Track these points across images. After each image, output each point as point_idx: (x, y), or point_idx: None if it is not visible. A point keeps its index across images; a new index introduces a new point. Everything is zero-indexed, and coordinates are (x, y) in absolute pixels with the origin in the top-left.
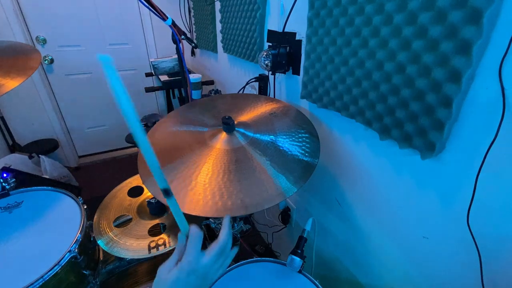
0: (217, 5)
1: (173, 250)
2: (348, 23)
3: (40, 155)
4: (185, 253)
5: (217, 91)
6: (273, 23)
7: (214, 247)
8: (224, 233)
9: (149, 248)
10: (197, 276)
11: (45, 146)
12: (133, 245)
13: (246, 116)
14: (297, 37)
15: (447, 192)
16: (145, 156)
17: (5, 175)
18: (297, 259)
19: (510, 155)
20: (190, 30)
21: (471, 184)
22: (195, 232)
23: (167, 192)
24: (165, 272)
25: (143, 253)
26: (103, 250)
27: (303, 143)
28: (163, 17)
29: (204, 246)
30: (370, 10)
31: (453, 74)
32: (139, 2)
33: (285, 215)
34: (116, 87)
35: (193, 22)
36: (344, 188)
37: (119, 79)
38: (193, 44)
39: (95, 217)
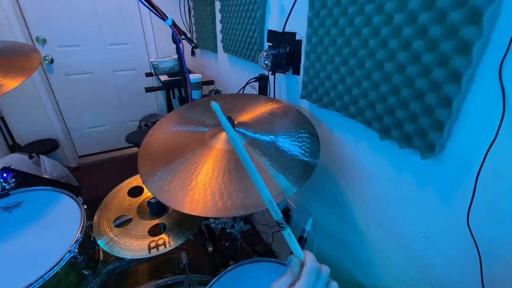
0: (217, 5)
1: (173, 250)
2: (348, 23)
3: (40, 155)
4: (299, 283)
5: (217, 91)
6: (273, 23)
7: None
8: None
9: (149, 248)
10: None
11: (45, 146)
12: (133, 245)
13: (246, 116)
14: (297, 37)
15: (447, 192)
16: (260, 191)
17: (5, 175)
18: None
19: (510, 155)
20: (190, 30)
21: (471, 184)
22: (311, 263)
23: (281, 225)
24: None
25: (143, 253)
26: (103, 250)
27: (303, 143)
28: (163, 17)
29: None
30: (370, 10)
31: (453, 74)
32: (139, 2)
33: (285, 215)
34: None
35: (193, 22)
36: (344, 188)
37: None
38: (193, 44)
39: (95, 217)
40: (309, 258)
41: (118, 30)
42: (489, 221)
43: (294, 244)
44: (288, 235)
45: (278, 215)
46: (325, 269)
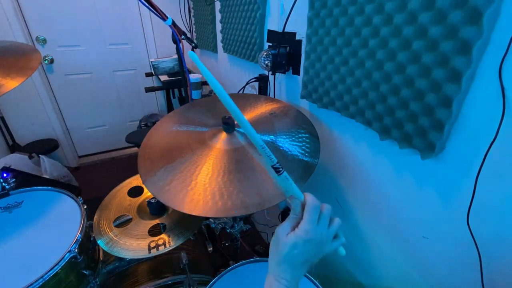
0: (217, 5)
1: (173, 250)
2: (348, 23)
3: (40, 155)
4: (302, 222)
5: None
6: (273, 23)
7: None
8: (310, 203)
9: (149, 248)
10: (314, 245)
11: (45, 146)
12: (133, 245)
13: (246, 116)
14: (297, 37)
15: (447, 192)
16: (248, 134)
17: (5, 175)
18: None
19: (510, 155)
20: (190, 30)
21: (471, 184)
22: (312, 202)
23: (277, 170)
24: (283, 234)
25: (143, 253)
26: (103, 250)
27: (303, 143)
28: (163, 17)
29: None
30: (370, 10)
31: (453, 74)
32: (139, 2)
33: (285, 215)
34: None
35: (193, 22)
36: (344, 188)
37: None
38: (193, 44)
39: (95, 217)
40: (309, 198)
41: (118, 30)
42: (489, 221)
43: (293, 187)
44: (286, 178)
45: (272, 160)
46: (327, 207)
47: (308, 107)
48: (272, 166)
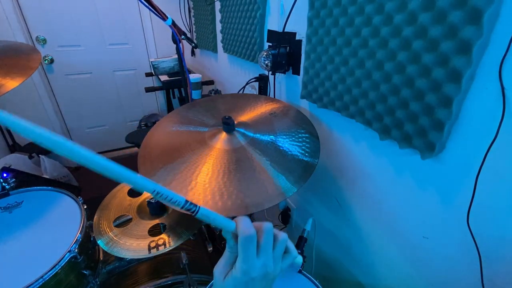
0: (217, 5)
1: (173, 250)
2: (348, 23)
3: (40, 155)
4: (238, 260)
5: (217, 91)
6: (273, 23)
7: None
8: (242, 231)
9: (149, 248)
10: (259, 280)
11: None
12: (133, 245)
13: (246, 116)
14: (297, 37)
15: (447, 192)
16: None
17: (5, 175)
18: (299, 256)
19: (510, 155)
20: (190, 30)
21: (471, 184)
22: (244, 232)
23: (192, 211)
24: (220, 277)
25: (143, 253)
26: (103, 250)
27: (303, 143)
28: (163, 17)
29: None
30: (370, 10)
31: (453, 74)
32: (139, 2)
33: (285, 215)
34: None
35: (193, 22)
36: (344, 188)
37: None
38: (193, 44)
39: (95, 217)
40: (241, 226)
41: (118, 30)
42: (489, 221)
43: (218, 219)
44: (206, 216)
45: (180, 203)
46: (266, 229)
47: (308, 107)
48: (185, 210)
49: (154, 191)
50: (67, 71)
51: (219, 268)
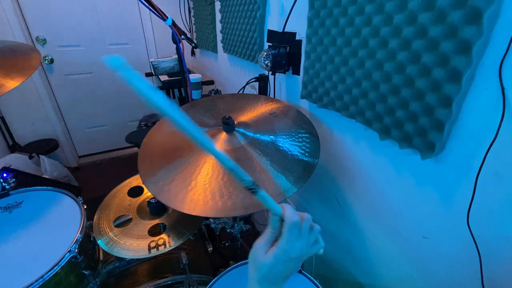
0: (217, 5)
1: (173, 249)
2: (348, 23)
3: (40, 155)
4: (281, 240)
5: (217, 91)
6: (273, 23)
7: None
8: (289, 215)
9: (149, 248)
10: (294, 262)
11: (45, 146)
12: (133, 245)
13: (246, 116)
14: (297, 37)
15: (447, 192)
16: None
17: (5, 175)
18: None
19: (510, 155)
20: (190, 30)
21: (471, 184)
22: (291, 218)
23: (253, 190)
24: (261, 253)
25: (143, 253)
26: (103, 250)
27: (303, 143)
28: (163, 17)
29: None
30: (370, 10)
31: (453, 74)
32: (139, 2)
33: None
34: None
35: (193, 22)
36: (344, 188)
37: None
38: (193, 44)
39: (95, 217)
40: (288, 213)
41: (118, 30)
42: (489, 221)
43: (270, 203)
44: (262, 198)
45: (245, 182)
46: (307, 218)
47: (308, 107)
48: (246, 188)
49: (231, 169)
50: (67, 71)
51: (260, 244)
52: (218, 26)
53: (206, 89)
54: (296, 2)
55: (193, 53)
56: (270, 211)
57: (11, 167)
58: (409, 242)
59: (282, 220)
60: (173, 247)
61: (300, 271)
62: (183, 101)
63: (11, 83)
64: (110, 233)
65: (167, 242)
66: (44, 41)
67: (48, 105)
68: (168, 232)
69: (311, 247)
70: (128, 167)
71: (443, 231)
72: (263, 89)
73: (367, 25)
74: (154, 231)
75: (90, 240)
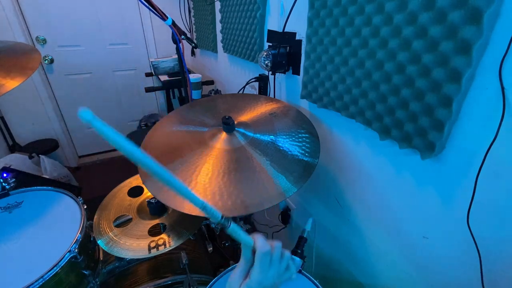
0: (217, 5)
1: (173, 250)
2: (348, 23)
3: (40, 155)
4: (254, 271)
5: (217, 91)
6: (273, 23)
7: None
8: (259, 244)
9: (149, 248)
10: None
11: (45, 146)
12: (133, 245)
13: (246, 116)
14: (297, 37)
15: (447, 192)
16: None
17: (5, 175)
18: (297, 259)
19: (510, 155)
20: (190, 30)
21: (471, 184)
22: (261, 248)
23: (224, 226)
24: (235, 286)
25: (143, 253)
26: (103, 250)
27: (303, 143)
28: (163, 17)
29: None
30: (370, 10)
31: (453, 74)
32: (139, 2)
33: (285, 215)
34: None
35: (193, 22)
36: (344, 188)
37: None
38: (193, 44)
39: (95, 217)
40: (259, 243)
41: (118, 30)
42: (489, 221)
43: (241, 235)
44: (233, 230)
45: (217, 218)
46: (276, 246)
47: (308, 107)
48: (218, 224)
49: (203, 206)
50: (67, 71)
51: (234, 278)
52: (218, 26)
53: (206, 89)
54: (296, 2)
55: (193, 53)
56: (241, 244)
57: (11, 167)
58: (409, 242)
59: (254, 251)
60: (173, 247)
61: (300, 271)
62: (183, 101)
63: (11, 83)
64: (110, 233)
65: (167, 242)
66: (44, 41)
67: (48, 105)
68: (168, 232)
69: (283, 274)
70: (128, 167)
71: (443, 231)
72: (263, 89)
73: (367, 25)
74: (154, 231)
75: (90, 240)
